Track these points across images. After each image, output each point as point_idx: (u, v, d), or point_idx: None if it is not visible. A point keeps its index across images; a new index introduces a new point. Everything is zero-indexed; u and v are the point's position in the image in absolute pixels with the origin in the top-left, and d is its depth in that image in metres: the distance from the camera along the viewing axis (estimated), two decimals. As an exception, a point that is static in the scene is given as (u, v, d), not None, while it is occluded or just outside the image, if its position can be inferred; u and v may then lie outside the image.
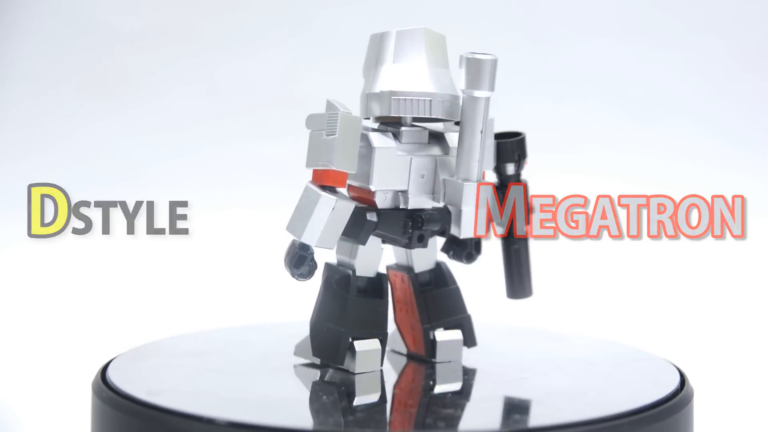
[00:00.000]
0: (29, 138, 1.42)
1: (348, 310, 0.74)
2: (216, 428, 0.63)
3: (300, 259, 0.71)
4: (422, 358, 0.79)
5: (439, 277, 0.80)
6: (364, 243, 0.74)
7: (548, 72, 1.42)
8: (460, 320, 0.80)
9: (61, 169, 1.41)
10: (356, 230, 0.73)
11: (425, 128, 0.75)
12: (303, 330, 0.78)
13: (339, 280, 0.75)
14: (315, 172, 0.71)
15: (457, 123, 0.74)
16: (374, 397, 0.71)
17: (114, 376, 0.72)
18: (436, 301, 0.79)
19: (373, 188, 0.73)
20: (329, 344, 0.75)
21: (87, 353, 0.94)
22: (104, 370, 0.74)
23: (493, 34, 1.42)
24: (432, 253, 0.80)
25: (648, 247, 1.34)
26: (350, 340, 0.75)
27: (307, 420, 0.67)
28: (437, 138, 0.76)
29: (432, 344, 0.79)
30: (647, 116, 1.41)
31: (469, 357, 0.80)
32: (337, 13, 1.42)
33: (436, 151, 0.75)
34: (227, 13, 1.44)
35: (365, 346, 0.75)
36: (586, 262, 1.31)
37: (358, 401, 0.70)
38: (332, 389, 0.72)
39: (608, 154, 1.39)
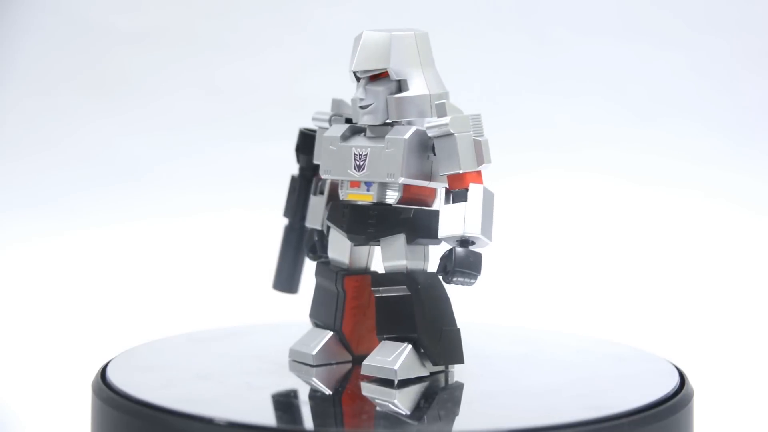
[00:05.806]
0: (29, 138, 1.42)
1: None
2: (216, 428, 0.63)
3: None
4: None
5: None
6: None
7: (549, 70, 1.42)
8: None
9: (61, 169, 1.41)
10: None
11: None
12: (302, 329, 0.78)
13: (435, 284, 0.74)
14: (472, 174, 0.71)
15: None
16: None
17: (114, 376, 0.72)
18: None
19: None
20: (453, 346, 0.74)
21: (87, 353, 0.94)
22: (104, 370, 0.74)
23: (494, 32, 1.42)
24: None
25: (648, 246, 1.34)
26: None
27: (307, 420, 0.66)
28: None
29: None
30: (648, 115, 1.41)
31: (467, 357, 0.80)
32: (337, 11, 1.42)
33: None
34: (227, 13, 1.44)
35: None
36: (586, 262, 1.31)
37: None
38: (340, 389, 0.72)
39: (609, 153, 1.39)
